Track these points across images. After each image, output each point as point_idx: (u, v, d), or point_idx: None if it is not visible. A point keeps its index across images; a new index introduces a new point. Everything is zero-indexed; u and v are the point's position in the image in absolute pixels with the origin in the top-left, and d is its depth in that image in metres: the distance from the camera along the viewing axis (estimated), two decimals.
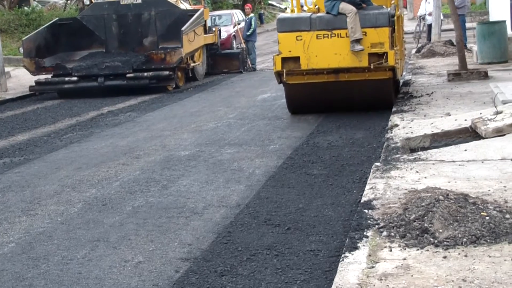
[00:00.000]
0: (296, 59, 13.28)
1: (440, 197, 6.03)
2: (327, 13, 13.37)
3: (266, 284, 5.58)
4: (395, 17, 13.75)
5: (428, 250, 5.40)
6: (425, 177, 7.58)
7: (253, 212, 7.56)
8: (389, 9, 13.55)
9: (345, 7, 13.01)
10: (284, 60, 13.34)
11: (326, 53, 13.09)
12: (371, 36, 12.97)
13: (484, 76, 16.19)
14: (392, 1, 14.43)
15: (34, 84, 20.90)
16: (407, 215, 5.99)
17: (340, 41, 13.06)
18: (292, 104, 14.13)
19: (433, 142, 9.81)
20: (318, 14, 13.54)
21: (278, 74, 13.57)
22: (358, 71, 13.25)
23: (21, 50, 21.36)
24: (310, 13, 13.76)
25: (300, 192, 8.24)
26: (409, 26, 35.78)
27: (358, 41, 12.92)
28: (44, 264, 6.34)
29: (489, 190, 6.84)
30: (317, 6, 15.39)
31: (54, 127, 14.83)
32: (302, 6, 16.58)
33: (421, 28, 29.19)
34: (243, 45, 27.02)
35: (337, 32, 13.06)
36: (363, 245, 5.66)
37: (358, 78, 13.33)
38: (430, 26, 27.36)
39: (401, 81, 16.71)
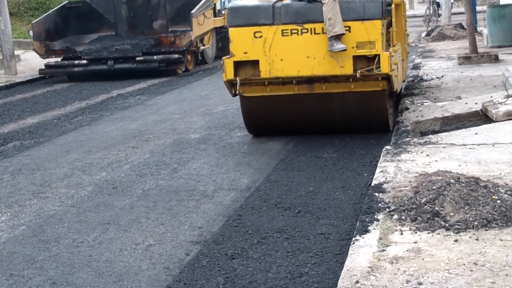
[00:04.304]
0: (255, 63, 9.82)
1: (451, 180, 6.02)
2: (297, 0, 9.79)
3: (276, 267, 5.58)
4: (393, 5, 10.17)
5: (439, 234, 5.39)
6: (436, 161, 7.56)
7: (264, 195, 7.57)
8: None
9: None
10: (238, 64, 9.93)
11: (295, 55, 9.61)
12: (358, 32, 9.42)
13: (495, 59, 16.16)
14: None
15: (43, 67, 20.92)
16: (418, 198, 5.98)
17: (314, 39, 9.55)
18: (251, 124, 10.60)
19: (443, 126, 9.79)
20: (284, 2, 9.86)
21: (231, 84, 10.10)
22: (340, 80, 9.76)
23: (31, 33, 21.40)
24: (274, 0, 9.85)
25: (310, 175, 8.23)
26: (419, 9, 35.67)
27: (338, 37, 9.36)
28: (55, 247, 6.36)
29: (500, 173, 6.82)
30: None
31: (64, 110, 14.85)
32: None
33: (431, 11, 29.11)
34: None
35: (310, 27, 9.54)
36: (374, 229, 5.65)
37: (340, 90, 9.87)
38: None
39: (405, 82, 13.56)
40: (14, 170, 9.45)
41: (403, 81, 12.42)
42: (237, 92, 10.09)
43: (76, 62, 20.32)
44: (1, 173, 9.33)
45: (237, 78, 9.90)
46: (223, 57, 10.16)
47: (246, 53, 9.83)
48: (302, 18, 9.59)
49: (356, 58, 9.50)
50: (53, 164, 9.68)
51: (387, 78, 9.63)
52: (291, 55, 9.63)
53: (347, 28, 9.38)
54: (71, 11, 21.99)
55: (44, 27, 20.98)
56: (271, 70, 9.72)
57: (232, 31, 10.00)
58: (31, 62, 24.24)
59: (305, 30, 9.56)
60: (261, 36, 9.72)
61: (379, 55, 9.41)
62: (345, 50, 9.35)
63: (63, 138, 11.57)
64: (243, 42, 9.84)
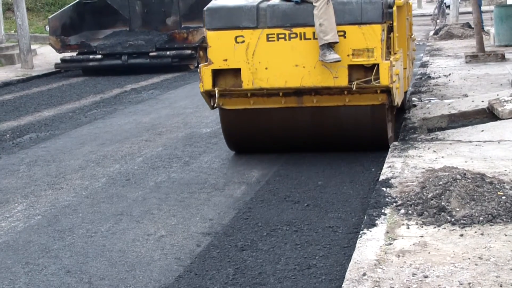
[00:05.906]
0: (236, 72, 8.54)
1: (457, 176, 6.09)
2: (286, 0, 8.49)
3: (285, 259, 5.67)
4: (394, 7, 8.72)
5: (445, 228, 5.47)
6: (442, 157, 7.64)
7: (273, 188, 7.67)
8: None
9: None
10: (217, 73, 8.62)
11: (282, 64, 8.35)
12: (354, 38, 8.17)
13: (501, 58, 16.23)
14: None
15: (59, 61, 21.14)
16: (424, 193, 6.06)
17: (304, 45, 8.30)
18: (232, 140, 9.31)
19: (450, 123, 9.85)
20: (270, 2, 8.51)
21: (208, 96, 8.81)
22: (333, 93, 8.50)
23: (47, 28, 21.58)
24: (259, 0, 8.58)
25: (319, 170, 8.32)
26: (427, 8, 35.61)
27: (331, 45, 8.13)
28: (69, 237, 6.47)
29: (506, 170, 6.90)
30: None
31: (78, 103, 14.99)
32: None
33: (439, 11, 29.14)
34: None
35: (300, 31, 8.27)
36: (381, 222, 5.74)
37: (333, 103, 8.61)
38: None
39: (410, 86, 12.40)
40: (30, 162, 9.58)
41: (405, 92, 10.76)
42: (215, 105, 8.82)
43: (91, 56, 20.49)
44: (17, 164, 9.46)
45: (216, 89, 8.60)
46: (200, 65, 8.96)
47: (226, 60, 8.52)
48: (291, 21, 8.33)
49: (351, 68, 8.27)
50: (68, 156, 9.81)
51: (387, 90, 8.39)
52: (278, 63, 8.38)
53: (342, 33, 8.17)
54: (86, 7, 22.09)
55: (60, 22, 21.11)
56: (255, 80, 8.47)
57: (211, 35, 8.64)
58: (47, 56, 24.43)
59: (294, 35, 8.31)
60: (243, 41, 8.44)
61: (378, 64, 8.17)
62: (339, 61, 8.10)
63: (78, 131, 11.71)
64: (223, 48, 8.52)
